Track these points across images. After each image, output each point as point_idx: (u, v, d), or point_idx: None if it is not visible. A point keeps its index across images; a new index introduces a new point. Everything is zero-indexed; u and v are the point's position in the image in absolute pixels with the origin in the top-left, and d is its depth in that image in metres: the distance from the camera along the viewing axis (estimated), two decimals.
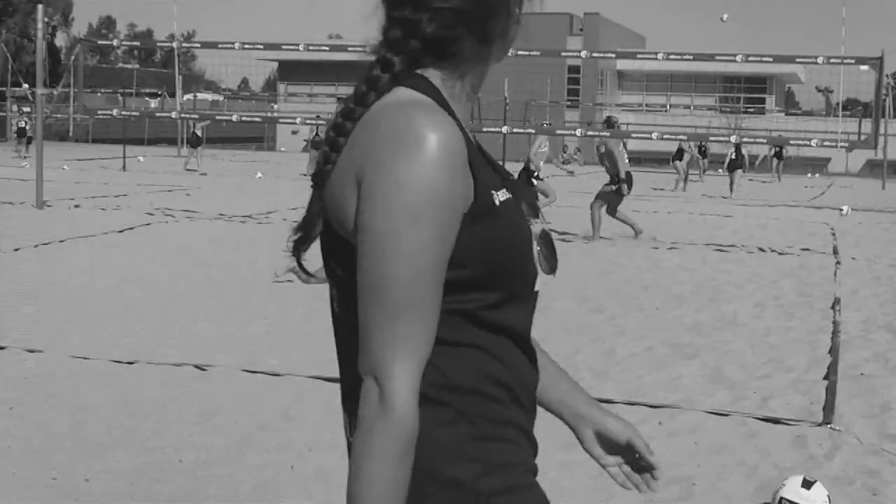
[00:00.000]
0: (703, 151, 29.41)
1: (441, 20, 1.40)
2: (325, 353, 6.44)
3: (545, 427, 5.58)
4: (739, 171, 24.29)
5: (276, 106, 60.94)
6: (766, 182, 30.20)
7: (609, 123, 13.87)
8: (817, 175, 37.83)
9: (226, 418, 5.04)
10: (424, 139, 1.31)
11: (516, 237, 1.42)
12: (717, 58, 14.99)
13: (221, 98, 67.42)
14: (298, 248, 1.50)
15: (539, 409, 1.55)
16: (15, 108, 38.11)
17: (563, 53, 19.58)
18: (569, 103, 49.86)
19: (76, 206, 15.31)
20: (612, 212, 12.84)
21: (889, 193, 27.19)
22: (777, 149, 31.98)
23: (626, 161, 12.77)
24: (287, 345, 6.66)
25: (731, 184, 24.08)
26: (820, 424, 5.09)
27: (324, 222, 1.45)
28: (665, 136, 17.22)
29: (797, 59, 17.77)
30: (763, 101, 55.68)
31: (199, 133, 27.83)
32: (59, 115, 51.18)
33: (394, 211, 1.30)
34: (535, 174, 15.59)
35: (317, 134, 27.63)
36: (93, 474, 4.25)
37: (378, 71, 1.43)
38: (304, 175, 27.33)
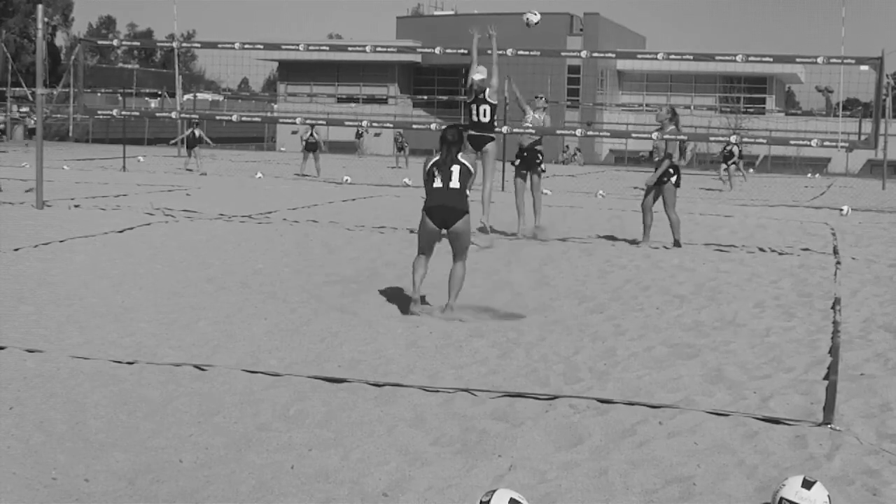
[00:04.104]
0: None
1: None
2: (325, 353, 6.46)
3: (545, 427, 5.54)
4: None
5: (276, 106, 60.97)
6: (715, 190, 26.74)
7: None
8: (817, 175, 37.84)
9: (226, 418, 5.04)
10: None
11: None
12: (717, 58, 14.93)
13: (221, 98, 67.48)
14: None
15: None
16: (15, 107, 37.80)
17: (563, 53, 19.52)
18: (569, 103, 49.88)
19: (76, 206, 15.30)
20: None
21: (889, 193, 27.18)
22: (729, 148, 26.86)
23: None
24: (287, 345, 6.66)
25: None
26: (820, 424, 5.08)
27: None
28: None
29: (797, 59, 17.68)
30: (763, 101, 55.72)
31: (197, 134, 27.85)
32: (59, 115, 51.20)
33: None
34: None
35: (311, 135, 27.49)
36: (93, 474, 4.25)
37: None
38: (299, 175, 27.27)
